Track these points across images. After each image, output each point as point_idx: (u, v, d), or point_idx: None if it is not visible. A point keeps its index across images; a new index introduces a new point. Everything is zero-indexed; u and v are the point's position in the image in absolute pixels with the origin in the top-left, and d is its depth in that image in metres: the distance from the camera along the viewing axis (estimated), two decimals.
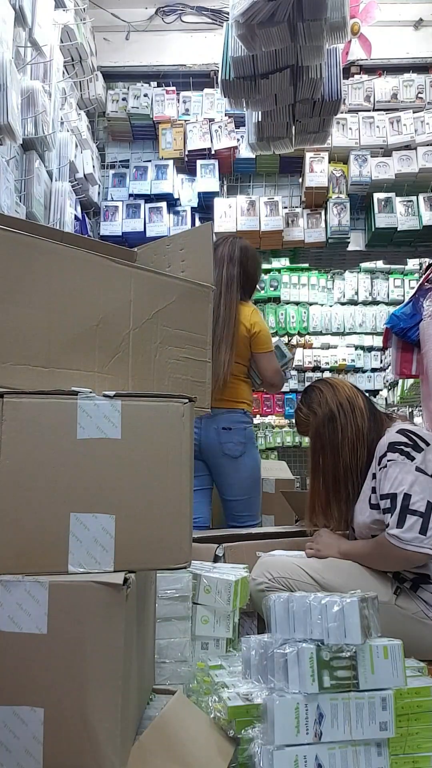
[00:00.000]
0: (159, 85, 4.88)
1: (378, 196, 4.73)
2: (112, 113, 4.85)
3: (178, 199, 4.85)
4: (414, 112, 4.74)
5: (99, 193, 4.80)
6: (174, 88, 4.86)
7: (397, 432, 1.89)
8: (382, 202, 4.73)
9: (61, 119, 3.76)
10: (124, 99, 4.84)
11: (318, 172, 4.74)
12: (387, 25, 4.73)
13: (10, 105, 2.56)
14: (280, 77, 3.25)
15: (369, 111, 4.82)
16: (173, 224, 4.77)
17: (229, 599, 1.65)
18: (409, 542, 1.73)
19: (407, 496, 1.76)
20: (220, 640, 1.67)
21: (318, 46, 3.07)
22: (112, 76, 4.96)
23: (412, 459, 1.81)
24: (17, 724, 1.06)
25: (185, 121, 4.81)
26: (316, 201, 4.82)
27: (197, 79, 4.95)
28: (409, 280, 6.64)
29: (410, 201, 4.75)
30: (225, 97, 3.52)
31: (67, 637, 1.07)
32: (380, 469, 1.86)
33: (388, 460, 1.84)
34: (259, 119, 3.69)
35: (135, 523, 1.17)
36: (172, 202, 4.83)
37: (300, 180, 4.95)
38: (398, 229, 4.72)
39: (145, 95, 4.83)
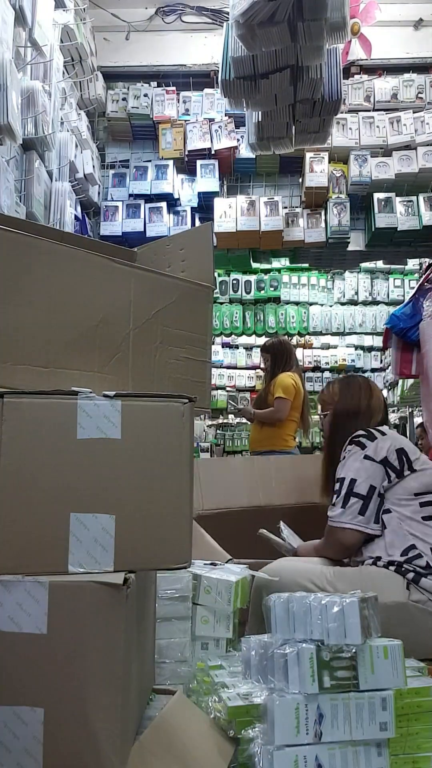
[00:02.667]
0: (159, 85, 4.88)
1: (378, 196, 4.73)
2: (112, 113, 4.85)
3: (178, 199, 4.85)
4: (414, 112, 4.74)
5: (99, 193, 4.80)
6: (174, 88, 4.86)
7: (361, 430, 2.09)
8: (382, 202, 4.73)
9: (61, 119, 3.76)
10: (124, 99, 4.84)
11: (318, 172, 4.74)
12: (387, 25, 4.73)
13: (10, 105, 2.56)
14: (280, 77, 3.25)
15: (369, 111, 4.82)
16: (173, 224, 4.77)
17: (229, 600, 1.65)
18: (348, 522, 1.95)
19: (353, 481, 1.97)
20: (220, 640, 1.67)
21: (318, 46, 3.08)
22: (112, 76, 4.96)
23: (363, 447, 2.01)
24: (17, 724, 1.06)
25: (185, 121, 4.81)
26: (316, 201, 4.83)
27: (197, 79, 4.95)
28: (409, 280, 6.65)
29: (410, 201, 4.75)
30: (225, 97, 3.53)
31: (67, 637, 1.07)
32: (342, 458, 2.08)
33: (347, 451, 2.05)
34: (259, 119, 3.69)
35: (135, 523, 1.17)
36: (172, 202, 4.83)
37: (300, 180, 4.95)
38: (398, 229, 4.73)
39: (145, 95, 4.83)
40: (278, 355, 4.43)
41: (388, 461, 1.99)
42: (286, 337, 6.62)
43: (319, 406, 2.42)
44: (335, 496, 2.01)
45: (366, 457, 1.99)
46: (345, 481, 1.99)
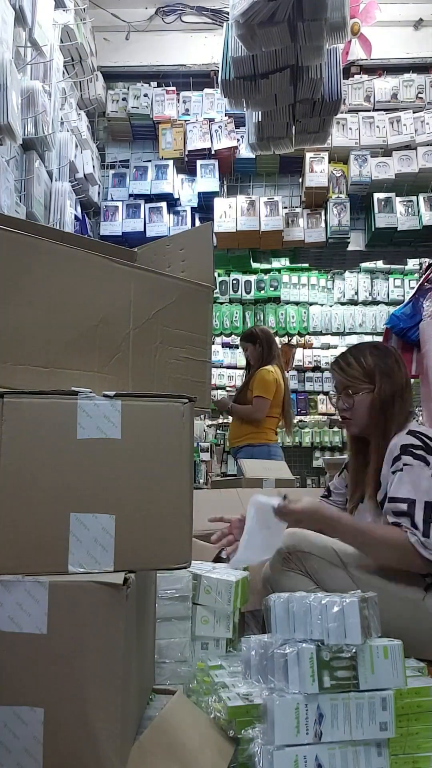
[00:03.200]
0: (159, 85, 4.88)
1: (378, 196, 4.73)
2: (112, 113, 4.85)
3: (178, 199, 4.85)
4: (414, 112, 4.74)
5: (99, 193, 4.80)
6: (174, 88, 4.86)
7: (407, 434, 1.86)
8: (382, 202, 4.73)
9: (61, 119, 3.76)
10: (124, 99, 4.84)
11: (318, 172, 4.74)
12: (387, 25, 4.73)
13: (10, 105, 2.56)
14: (280, 77, 3.25)
15: (369, 111, 4.82)
16: (173, 224, 4.77)
17: (229, 600, 1.65)
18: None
19: (429, 504, 1.70)
20: (220, 640, 1.67)
21: (318, 46, 3.08)
22: (112, 76, 4.96)
23: (428, 464, 1.77)
24: (17, 724, 1.06)
25: (185, 121, 4.81)
26: (316, 201, 4.82)
27: (197, 79, 4.95)
28: (409, 280, 6.64)
29: (410, 201, 4.75)
30: (225, 97, 3.52)
31: (67, 637, 1.07)
32: (393, 472, 1.81)
33: (404, 464, 1.78)
34: (259, 119, 3.69)
35: (135, 523, 1.17)
36: (172, 202, 4.83)
37: (300, 180, 4.95)
38: (398, 229, 4.72)
39: (145, 95, 4.83)
40: (264, 346, 4.29)
41: None
42: (286, 337, 6.62)
43: (341, 390, 2.01)
44: (405, 517, 1.71)
45: None
46: (417, 504, 1.70)
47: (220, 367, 7.10)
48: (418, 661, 1.55)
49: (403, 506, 1.72)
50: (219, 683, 1.44)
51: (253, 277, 6.71)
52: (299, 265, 6.10)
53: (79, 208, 4.29)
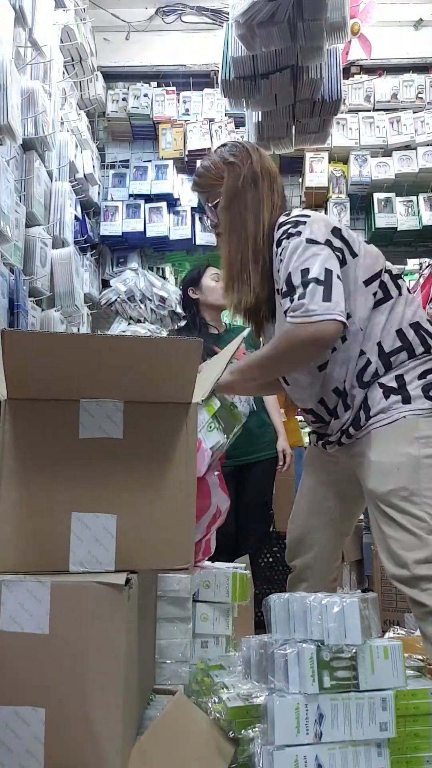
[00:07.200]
0: (159, 85, 4.88)
1: (378, 196, 4.73)
2: (112, 113, 4.84)
3: (178, 199, 4.85)
4: (414, 112, 4.74)
5: (99, 193, 4.79)
6: (174, 88, 4.85)
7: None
8: (382, 202, 4.73)
9: (61, 119, 3.75)
10: (124, 99, 4.84)
11: (318, 172, 4.74)
12: (387, 25, 4.73)
13: (10, 105, 2.56)
14: (280, 77, 3.25)
15: (369, 111, 4.82)
16: (173, 224, 4.77)
17: (227, 591, 1.66)
18: (316, 313, 1.52)
19: (305, 271, 1.56)
20: (220, 638, 1.67)
21: (318, 46, 3.07)
22: (112, 76, 4.95)
23: (299, 234, 1.61)
24: (19, 724, 1.06)
25: (185, 121, 4.81)
26: (316, 201, 4.82)
27: (197, 79, 4.95)
28: (409, 280, 6.64)
29: (410, 201, 4.75)
30: (225, 97, 3.52)
31: (68, 637, 1.07)
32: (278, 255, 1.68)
33: (282, 249, 1.65)
34: (259, 119, 3.68)
35: (136, 523, 1.17)
36: (172, 202, 4.83)
37: (300, 180, 4.95)
38: (398, 229, 4.73)
39: (145, 95, 4.83)
40: None
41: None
42: None
43: None
44: (286, 297, 1.58)
45: (309, 240, 1.60)
46: (293, 275, 1.58)
47: None
48: (419, 660, 1.55)
49: (284, 286, 1.59)
50: (219, 683, 1.44)
51: None
52: None
53: (79, 208, 4.28)
